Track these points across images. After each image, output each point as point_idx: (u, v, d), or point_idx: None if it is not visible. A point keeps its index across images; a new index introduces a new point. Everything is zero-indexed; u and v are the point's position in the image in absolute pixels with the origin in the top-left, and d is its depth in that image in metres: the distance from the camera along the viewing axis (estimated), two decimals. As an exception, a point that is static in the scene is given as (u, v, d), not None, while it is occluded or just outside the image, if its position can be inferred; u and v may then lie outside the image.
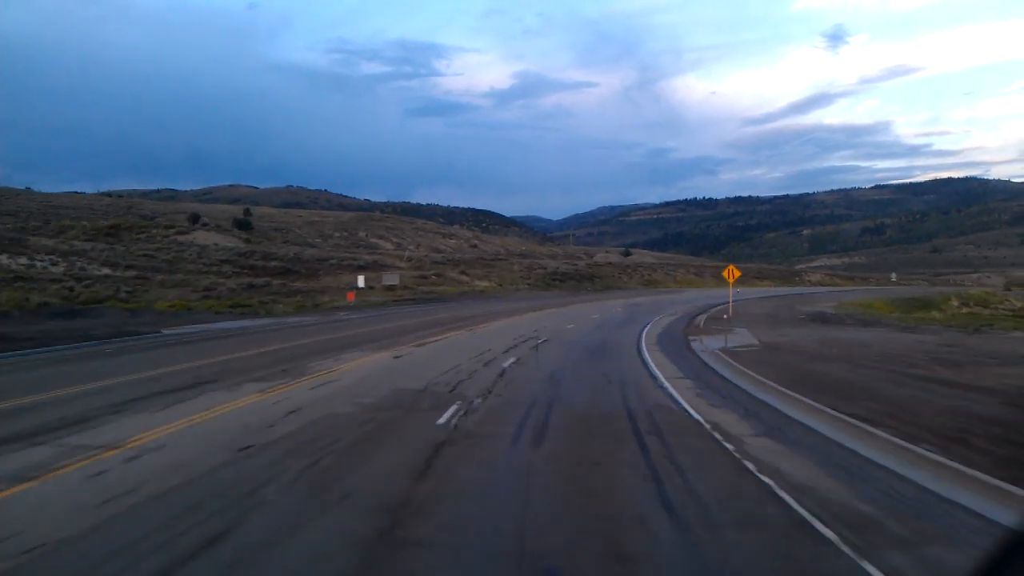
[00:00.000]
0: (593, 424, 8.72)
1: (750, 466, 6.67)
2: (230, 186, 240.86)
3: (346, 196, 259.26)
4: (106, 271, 47.21)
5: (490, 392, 11.12)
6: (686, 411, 9.78)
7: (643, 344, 19.82)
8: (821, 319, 32.68)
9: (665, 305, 42.88)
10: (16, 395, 10.67)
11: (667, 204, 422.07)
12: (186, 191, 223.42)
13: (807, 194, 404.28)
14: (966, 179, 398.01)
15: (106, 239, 60.93)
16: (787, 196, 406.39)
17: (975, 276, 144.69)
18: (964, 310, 57.04)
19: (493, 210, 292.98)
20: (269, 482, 6.03)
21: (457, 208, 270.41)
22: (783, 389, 11.67)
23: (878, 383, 12.63)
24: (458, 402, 10.08)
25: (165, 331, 23.35)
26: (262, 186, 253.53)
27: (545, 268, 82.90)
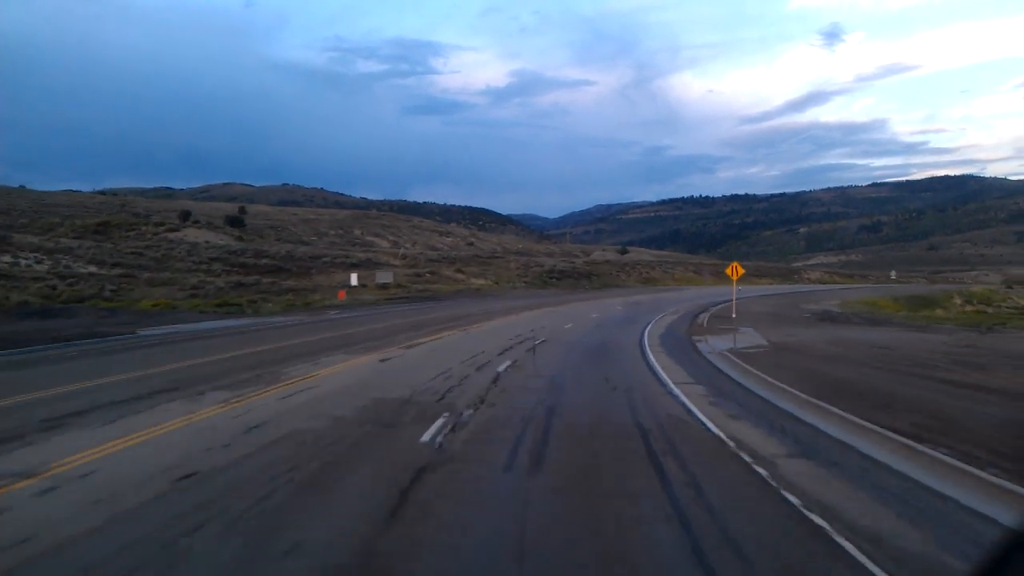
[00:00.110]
0: (599, 442, 7.56)
1: (793, 499, 5.50)
2: (226, 184, 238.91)
3: (342, 194, 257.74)
4: (92, 269, 45.93)
5: (482, 401, 9.95)
6: (703, 424, 8.62)
7: (646, 345, 18.68)
8: (828, 318, 31.65)
9: (665, 303, 41.75)
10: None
11: (664, 202, 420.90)
12: (182, 190, 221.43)
13: (804, 192, 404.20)
14: (962, 177, 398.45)
15: (94, 237, 59.54)
16: (784, 194, 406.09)
17: (973, 274, 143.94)
18: (968, 308, 56.05)
19: (490, 208, 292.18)
20: (201, 526, 4.83)
21: (454, 206, 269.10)
22: (805, 396, 10.55)
23: (906, 389, 11.52)
24: (446, 414, 8.91)
25: (140, 332, 22.07)
26: (258, 184, 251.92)
27: (542, 266, 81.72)
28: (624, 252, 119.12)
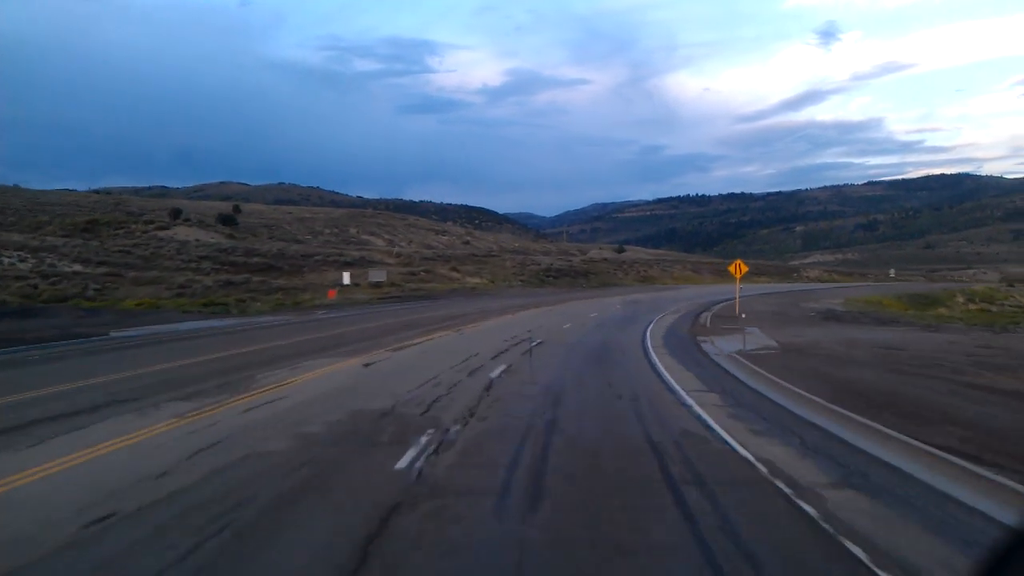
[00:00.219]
0: (607, 467, 6.43)
1: (857, 552, 4.36)
2: (222, 183, 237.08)
3: (338, 193, 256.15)
4: (77, 267, 44.72)
5: (472, 414, 8.81)
6: (726, 442, 7.49)
7: (650, 346, 17.57)
8: (833, 317, 30.66)
9: (665, 302, 40.68)
10: None
11: (660, 201, 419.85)
12: (177, 188, 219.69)
13: (800, 191, 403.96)
14: (958, 175, 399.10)
15: (82, 235, 58.23)
16: (780, 193, 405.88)
17: (970, 272, 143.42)
18: (972, 306, 55.14)
19: (486, 207, 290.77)
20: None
21: (450, 205, 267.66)
22: (832, 406, 9.45)
23: (938, 396, 10.42)
24: (430, 431, 7.78)
25: (113, 333, 20.84)
26: (254, 183, 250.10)
27: (539, 264, 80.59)
28: (621, 251, 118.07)
